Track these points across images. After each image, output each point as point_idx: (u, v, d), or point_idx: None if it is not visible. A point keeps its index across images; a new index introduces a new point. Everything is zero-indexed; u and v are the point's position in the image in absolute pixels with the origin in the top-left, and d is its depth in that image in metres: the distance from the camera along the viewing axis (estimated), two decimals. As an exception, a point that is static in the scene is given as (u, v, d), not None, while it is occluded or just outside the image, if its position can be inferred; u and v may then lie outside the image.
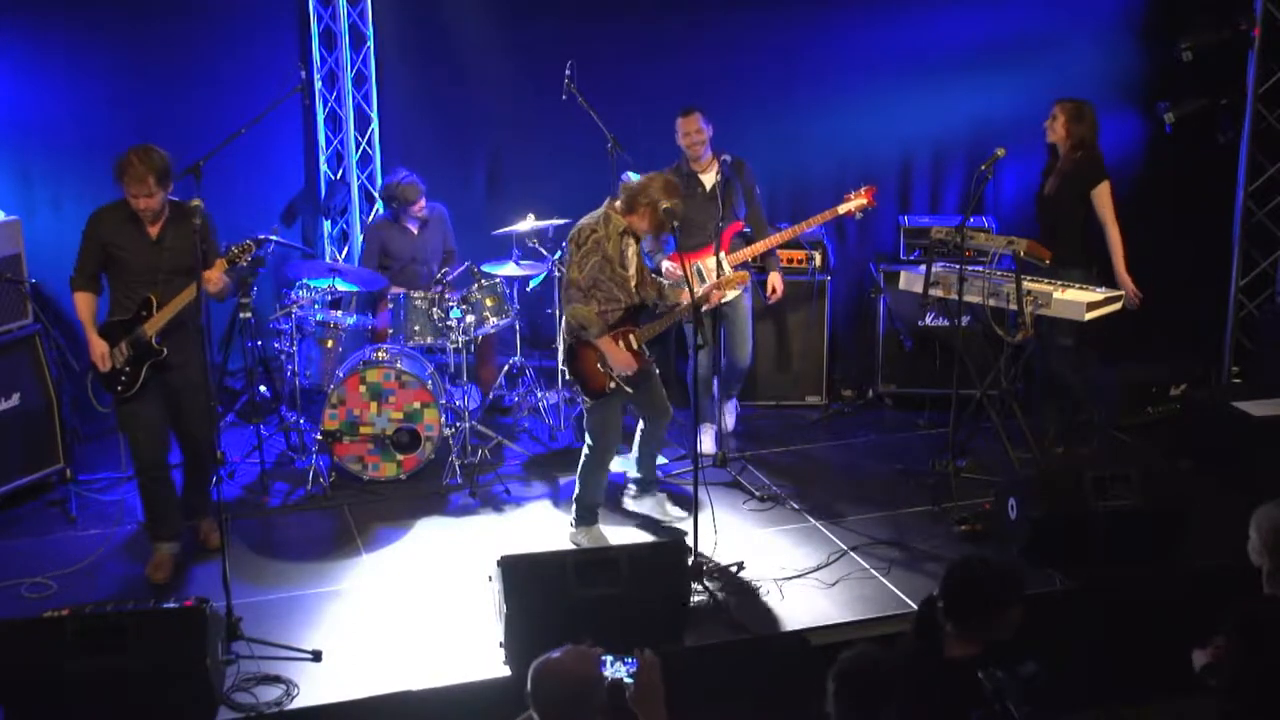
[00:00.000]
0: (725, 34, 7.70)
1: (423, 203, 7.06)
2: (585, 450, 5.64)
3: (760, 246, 6.67)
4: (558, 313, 7.10)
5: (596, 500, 5.73)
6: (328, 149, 8.00)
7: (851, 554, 5.63)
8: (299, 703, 4.51)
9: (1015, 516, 5.54)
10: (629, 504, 5.93)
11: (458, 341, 6.55)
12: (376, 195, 8.00)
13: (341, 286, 6.81)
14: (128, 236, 5.21)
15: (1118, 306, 6.05)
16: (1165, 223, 7.67)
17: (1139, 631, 4.80)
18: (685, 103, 6.64)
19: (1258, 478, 5.90)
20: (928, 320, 7.29)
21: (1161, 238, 7.63)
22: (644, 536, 5.78)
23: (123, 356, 5.24)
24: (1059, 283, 6.09)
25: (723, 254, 6.36)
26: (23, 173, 7.05)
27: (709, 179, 6.56)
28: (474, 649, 4.83)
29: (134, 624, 4.35)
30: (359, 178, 8.04)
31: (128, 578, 5.46)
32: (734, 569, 5.44)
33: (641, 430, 5.82)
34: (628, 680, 3.20)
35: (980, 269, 6.26)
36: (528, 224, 6.96)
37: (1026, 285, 5.93)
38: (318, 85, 7.85)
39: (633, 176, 6.98)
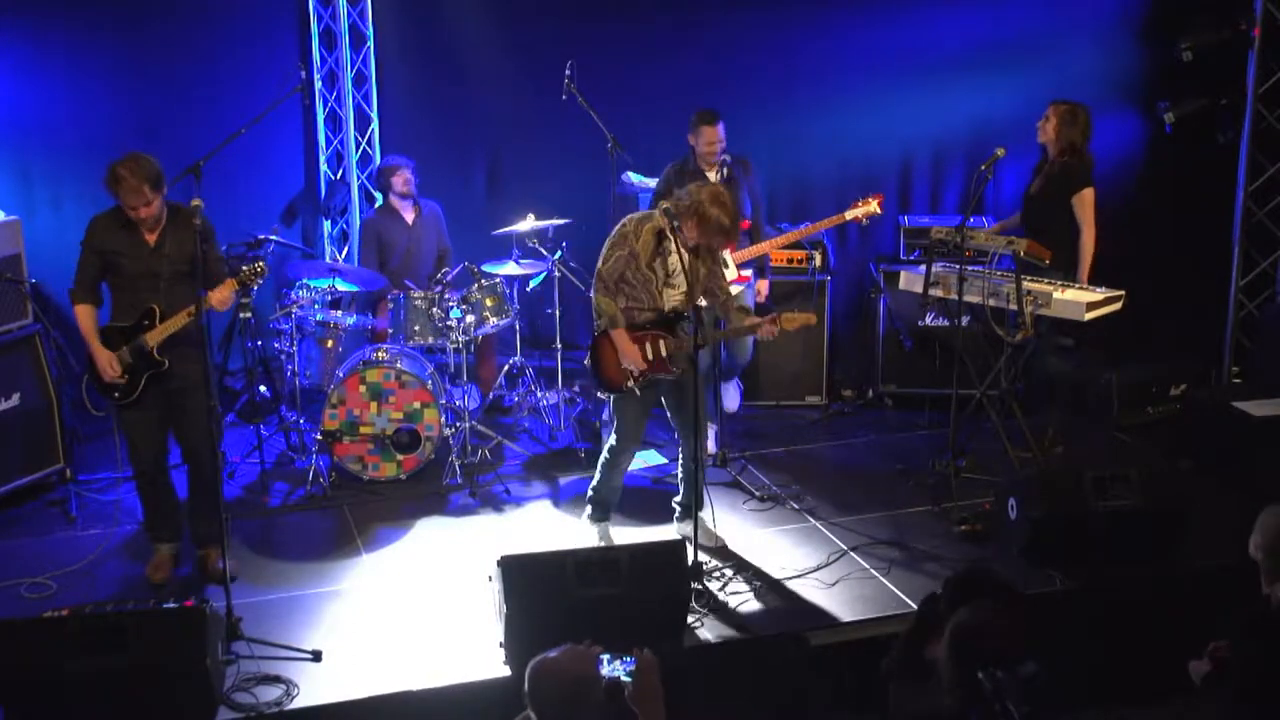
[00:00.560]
0: (725, 34, 7.71)
1: (407, 174, 7.03)
2: (606, 443, 5.63)
3: (766, 246, 6.70)
4: (558, 313, 7.13)
5: (607, 497, 5.68)
6: (328, 149, 8.00)
7: (851, 554, 5.63)
8: (299, 703, 4.51)
9: (1015, 516, 5.54)
10: (675, 526, 5.86)
11: (458, 341, 6.55)
12: (376, 195, 8.00)
13: (341, 286, 6.81)
14: (125, 243, 5.16)
15: (1118, 306, 6.05)
16: (1165, 223, 7.68)
17: (1139, 631, 4.79)
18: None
19: (1258, 478, 5.91)
20: (928, 320, 7.29)
21: (1161, 237, 7.64)
22: (644, 536, 5.78)
23: (123, 364, 5.18)
24: (1059, 282, 6.09)
25: (728, 253, 6.37)
26: (23, 173, 7.05)
27: (713, 177, 6.60)
28: (474, 649, 4.83)
29: (134, 624, 4.35)
30: (359, 178, 8.04)
31: (127, 578, 5.46)
32: (734, 569, 5.45)
33: (680, 450, 5.73)
34: (626, 679, 3.20)
35: (980, 269, 6.26)
36: (528, 224, 6.96)
37: (1026, 285, 5.93)
38: (318, 85, 7.85)
39: (633, 177, 7.04)
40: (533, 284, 7.29)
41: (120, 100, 7.18)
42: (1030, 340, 6.15)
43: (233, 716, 4.44)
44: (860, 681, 3.80)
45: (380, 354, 6.44)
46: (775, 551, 5.68)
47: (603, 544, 5.57)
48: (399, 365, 6.36)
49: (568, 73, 6.62)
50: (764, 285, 6.90)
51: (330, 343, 6.73)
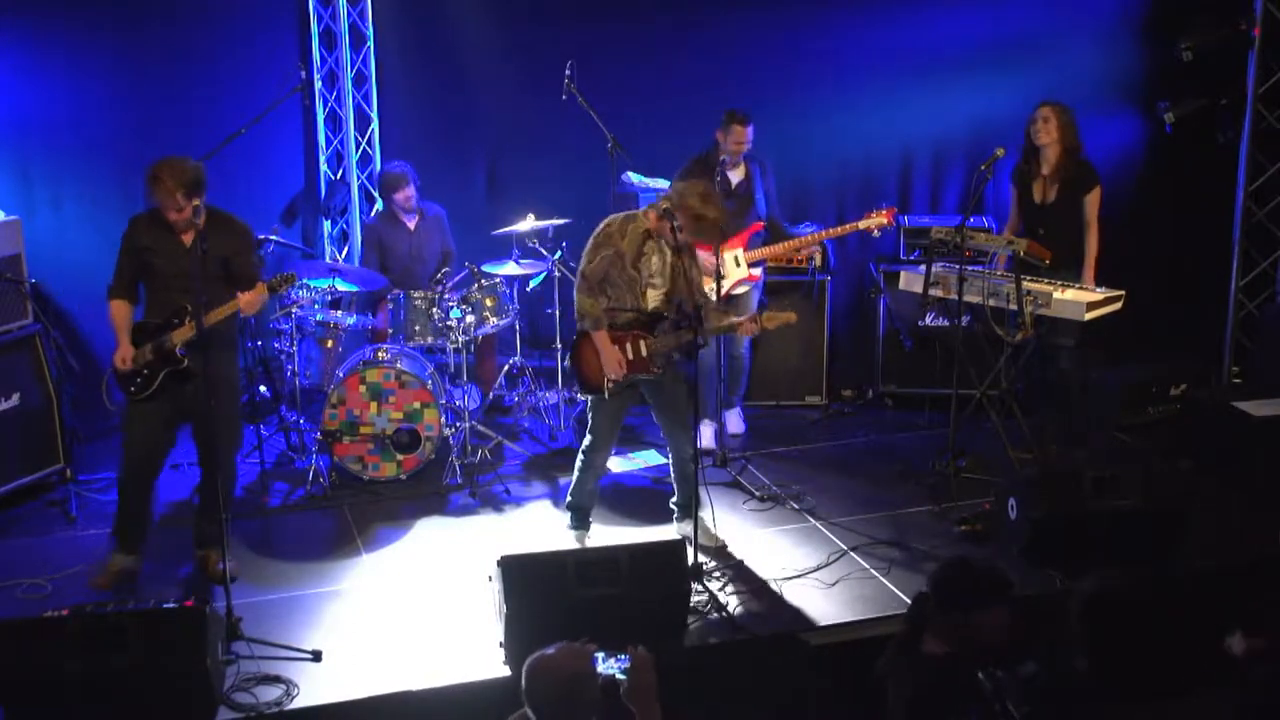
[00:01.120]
0: (725, 34, 7.71)
1: (410, 191, 7.04)
2: (582, 445, 5.64)
3: (779, 248, 6.75)
4: (558, 313, 7.13)
5: (584, 503, 5.68)
6: (328, 149, 8.00)
7: (851, 554, 5.63)
8: (299, 703, 4.51)
9: (1015, 516, 5.54)
10: (675, 526, 5.86)
11: (458, 341, 6.55)
12: (376, 195, 8.00)
13: (341, 286, 6.81)
14: (160, 242, 5.19)
15: (1118, 306, 6.05)
16: (1165, 223, 7.68)
17: (1139, 631, 4.79)
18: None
19: (1258, 478, 5.91)
20: (928, 320, 7.29)
21: (1161, 237, 7.65)
22: (644, 536, 5.78)
23: (144, 359, 5.22)
24: (1059, 282, 6.09)
25: (740, 251, 6.39)
26: (23, 173, 7.04)
27: (735, 176, 6.70)
28: (474, 649, 4.83)
29: (134, 624, 4.34)
30: (359, 178, 8.04)
31: (128, 578, 5.47)
32: (734, 569, 5.45)
33: (669, 451, 5.73)
34: (620, 677, 3.22)
35: (980, 269, 6.26)
36: (528, 224, 6.97)
37: (1026, 285, 5.93)
38: (318, 85, 7.84)
39: (633, 177, 7.04)
40: (533, 284, 7.29)
41: (120, 100, 7.17)
42: (1030, 340, 6.15)
43: (233, 716, 4.44)
44: (860, 681, 3.80)
45: (380, 354, 6.44)
46: (775, 551, 5.68)
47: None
48: (399, 365, 6.36)
49: (568, 73, 6.62)
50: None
51: (330, 343, 6.74)
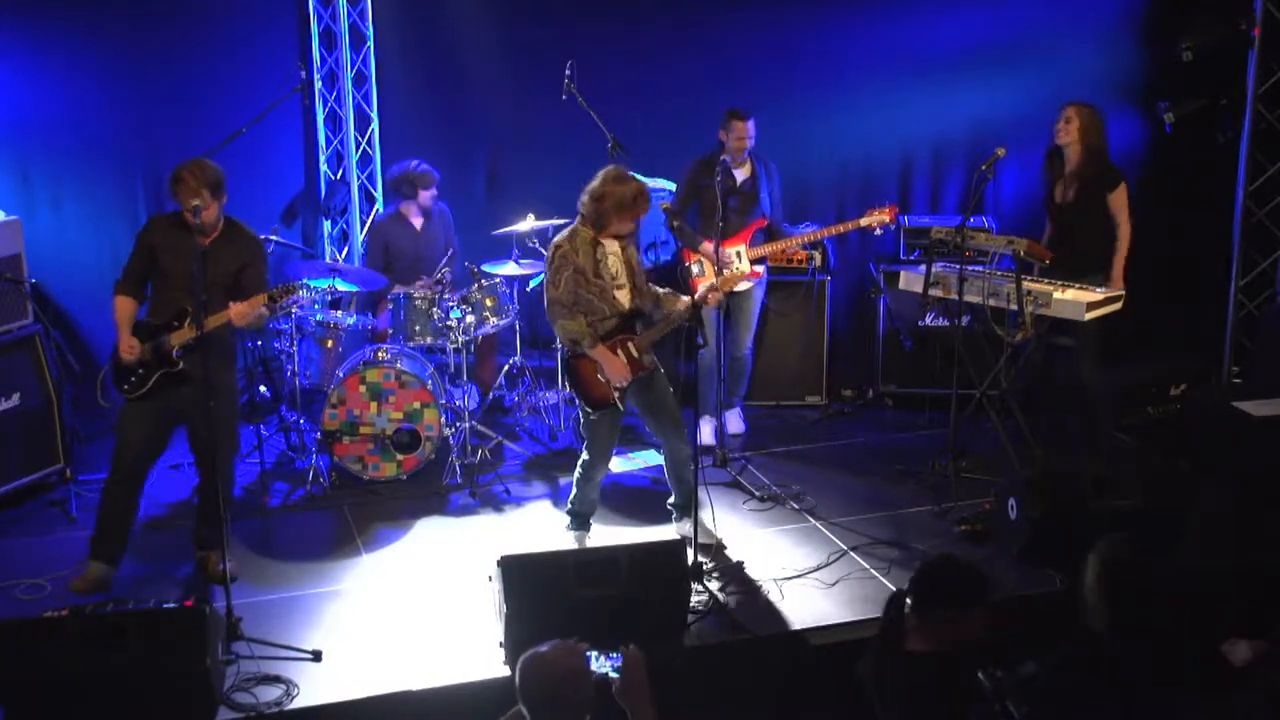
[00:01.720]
0: (725, 34, 7.72)
1: (434, 190, 7.09)
2: (581, 457, 5.66)
3: (782, 244, 6.77)
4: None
5: (585, 510, 5.71)
6: (328, 149, 8.00)
7: (851, 554, 5.63)
8: (299, 703, 4.51)
9: (1015, 516, 5.54)
10: (674, 526, 5.86)
11: (458, 341, 6.55)
12: (376, 195, 8.00)
13: (341, 286, 6.81)
14: (174, 242, 5.20)
15: (1118, 306, 6.05)
16: (1165, 223, 7.68)
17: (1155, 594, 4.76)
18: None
19: (1258, 478, 5.90)
20: (928, 320, 7.29)
21: (1161, 238, 7.63)
22: (644, 536, 5.78)
23: (143, 357, 5.22)
24: (1059, 282, 6.09)
25: (743, 247, 6.39)
26: (23, 173, 7.05)
27: (741, 173, 6.72)
28: (474, 649, 4.82)
29: (134, 624, 4.34)
30: (359, 178, 8.04)
31: (128, 578, 5.44)
32: (734, 569, 5.44)
33: (664, 453, 5.73)
34: (613, 675, 3.22)
35: (980, 269, 6.26)
36: (528, 224, 6.97)
37: (1026, 285, 5.93)
38: (318, 85, 7.85)
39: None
40: (533, 284, 7.29)
41: (120, 100, 7.18)
42: (1030, 340, 6.15)
43: (233, 716, 4.44)
44: (860, 681, 3.80)
45: (380, 354, 6.44)
46: (775, 551, 5.68)
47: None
48: (399, 365, 6.36)
49: (568, 73, 6.62)
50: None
51: (330, 343, 6.74)
